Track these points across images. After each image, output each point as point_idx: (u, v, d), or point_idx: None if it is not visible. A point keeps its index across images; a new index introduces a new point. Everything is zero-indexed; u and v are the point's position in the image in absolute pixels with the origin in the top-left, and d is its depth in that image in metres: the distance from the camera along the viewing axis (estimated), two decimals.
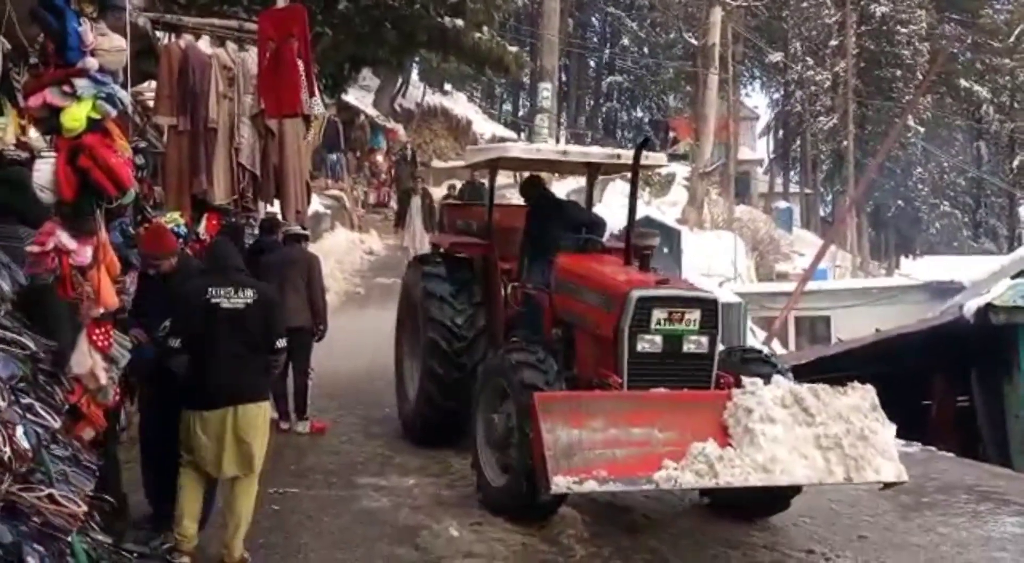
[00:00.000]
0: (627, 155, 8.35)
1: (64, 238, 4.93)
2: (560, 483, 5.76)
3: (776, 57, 49.54)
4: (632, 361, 6.80)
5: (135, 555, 5.38)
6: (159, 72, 8.33)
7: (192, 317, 5.79)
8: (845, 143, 43.52)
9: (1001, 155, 53.17)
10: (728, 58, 37.30)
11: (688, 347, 6.89)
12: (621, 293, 6.91)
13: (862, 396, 6.46)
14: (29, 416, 4.31)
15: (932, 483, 8.63)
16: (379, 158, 29.48)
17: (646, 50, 55.27)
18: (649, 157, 8.41)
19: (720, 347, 7.13)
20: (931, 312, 18.16)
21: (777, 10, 47.85)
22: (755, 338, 21.51)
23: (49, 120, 5.01)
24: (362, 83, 29.60)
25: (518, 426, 6.62)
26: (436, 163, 34.32)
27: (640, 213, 8.24)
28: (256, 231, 11.32)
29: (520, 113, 54.81)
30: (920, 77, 42.83)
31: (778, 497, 6.97)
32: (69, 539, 4.17)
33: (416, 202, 20.93)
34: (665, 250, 19.85)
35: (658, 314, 6.80)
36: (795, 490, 6.91)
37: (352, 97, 27.17)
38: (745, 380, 6.51)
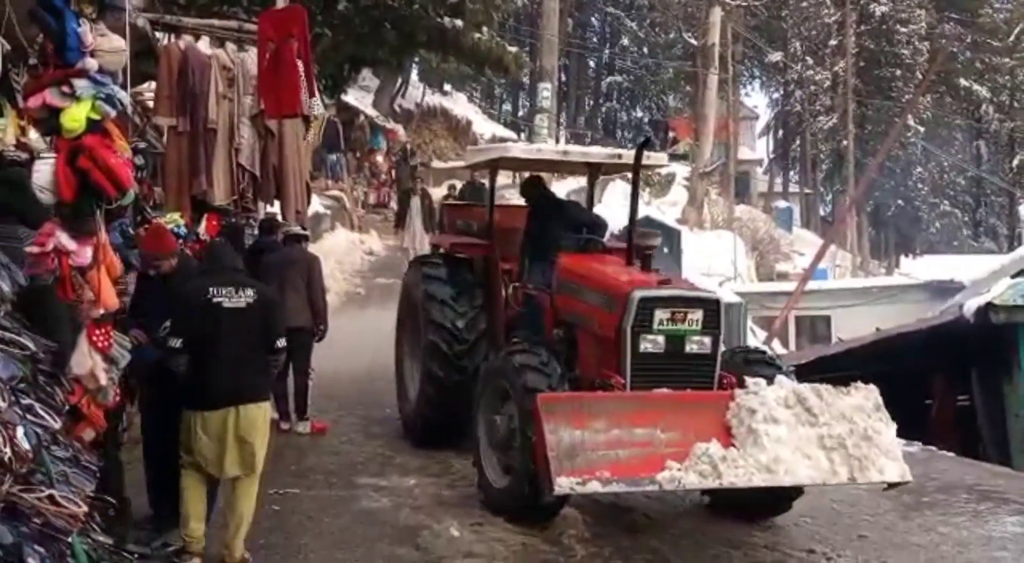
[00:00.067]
0: (628, 155, 8.34)
1: (64, 239, 4.93)
2: (563, 484, 5.74)
3: (776, 57, 49.54)
4: (635, 361, 6.79)
5: (136, 556, 5.38)
6: (159, 73, 8.33)
7: (193, 317, 5.79)
8: (845, 143, 43.53)
9: (1001, 154, 53.16)
10: (728, 58, 37.29)
11: (690, 347, 6.88)
12: (623, 293, 6.90)
13: (865, 396, 6.44)
14: (29, 417, 4.31)
15: (932, 482, 8.63)
16: (379, 158, 29.47)
17: (646, 50, 55.26)
18: (650, 157, 8.40)
19: (722, 347, 7.11)
20: (931, 311, 18.16)
21: (776, 10, 47.85)
22: (755, 338, 21.51)
23: (49, 121, 5.02)
24: (362, 83, 29.60)
25: (520, 429, 6.60)
26: (436, 163, 34.31)
27: (640, 213, 8.22)
28: (256, 232, 11.32)
29: (520, 113, 54.80)
30: (920, 76, 42.84)
31: (780, 499, 6.95)
32: (69, 540, 4.17)
33: (416, 203, 20.93)
34: (665, 250, 19.82)
35: (660, 314, 6.79)
36: (797, 492, 6.90)
37: (352, 97, 27.16)
38: (748, 380, 6.48)
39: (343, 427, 9.87)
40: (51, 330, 5.01)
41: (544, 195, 9.24)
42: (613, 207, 16.92)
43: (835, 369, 13.11)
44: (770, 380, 6.58)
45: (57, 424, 4.59)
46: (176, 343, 5.72)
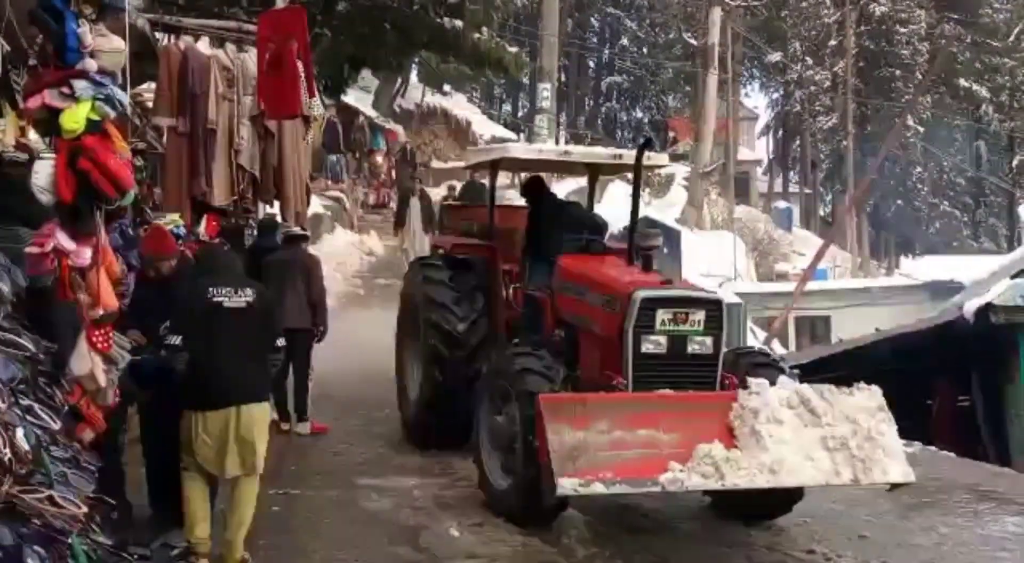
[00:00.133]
0: (629, 155, 8.33)
1: (63, 239, 4.93)
2: (566, 485, 5.71)
3: (775, 57, 49.51)
4: (636, 362, 6.76)
5: (136, 557, 5.37)
6: (158, 73, 8.34)
7: (194, 316, 5.78)
8: (845, 143, 43.53)
9: (1001, 154, 53.10)
10: (727, 58, 37.26)
11: (693, 348, 6.85)
12: (625, 294, 6.88)
13: (869, 397, 6.40)
14: (29, 418, 4.32)
15: (933, 483, 8.62)
16: (379, 159, 29.47)
17: (645, 50, 55.23)
18: (651, 157, 8.39)
19: (724, 348, 7.09)
20: (931, 312, 18.14)
21: (776, 10, 47.83)
22: (755, 338, 21.51)
23: (48, 121, 5.02)
24: (361, 84, 29.55)
25: (522, 433, 6.57)
26: (436, 164, 34.32)
27: (640, 213, 8.21)
28: (254, 232, 11.32)
29: (520, 114, 54.81)
30: (920, 77, 42.83)
31: (781, 500, 6.93)
32: (69, 541, 4.16)
33: (415, 203, 20.93)
34: (665, 251, 19.82)
35: (662, 315, 6.77)
36: (798, 495, 6.90)
37: (352, 98, 27.14)
38: (751, 381, 6.44)
39: (343, 428, 9.87)
40: (51, 331, 5.02)
41: (545, 196, 9.23)
42: (613, 207, 16.94)
43: (835, 369, 13.10)
44: (773, 381, 6.55)
45: (57, 425, 4.59)
46: (176, 340, 5.71)
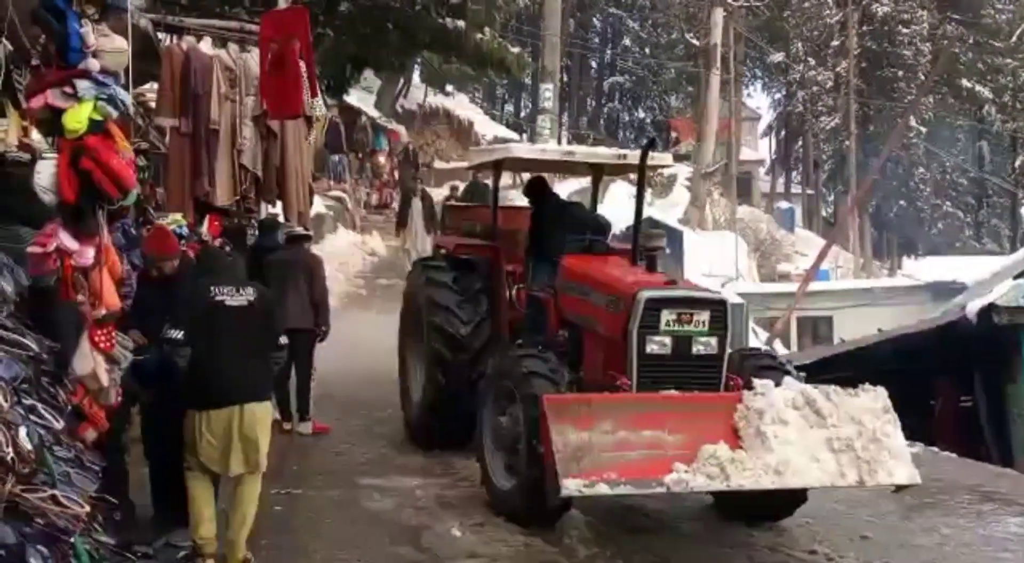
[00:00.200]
0: (633, 156, 8.32)
1: (66, 239, 4.94)
2: (570, 486, 5.69)
3: (778, 57, 49.52)
4: (641, 363, 6.75)
5: (139, 556, 5.38)
6: (161, 74, 8.35)
7: (197, 313, 5.78)
8: (847, 143, 43.48)
9: (1003, 155, 53.03)
10: (730, 58, 37.27)
11: (697, 349, 6.83)
12: (629, 294, 6.86)
13: (874, 398, 6.39)
14: (32, 417, 4.32)
15: (935, 484, 8.60)
16: (381, 159, 29.47)
17: (648, 50, 55.23)
18: (655, 158, 8.37)
19: (729, 349, 7.07)
20: (933, 312, 18.13)
21: (779, 10, 47.80)
22: (757, 339, 21.52)
23: (51, 121, 5.02)
24: (364, 84, 29.56)
25: (526, 436, 6.55)
26: (438, 164, 34.33)
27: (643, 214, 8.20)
28: (255, 232, 11.32)
29: (522, 114, 54.78)
30: (922, 77, 42.81)
31: (785, 503, 6.91)
32: (72, 540, 4.17)
33: (416, 204, 20.94)
34: (667, 251, 19.81)
35: (667, 315, 6.75)
36: (801, 499, 6.89)
37: (354, 98, 27.17)
38: (756, 382, 6.43)
39: (345, 428, 9.87)
40: (53, 331, 5.02)
41: (547, 196, 9.23)
42: (615, 208, 16.93)
43: (837, 370, 13.10)
44: (778, 382, 6.53)
45: (60, 424, 4.60)
46: (177, 334, 5.70)
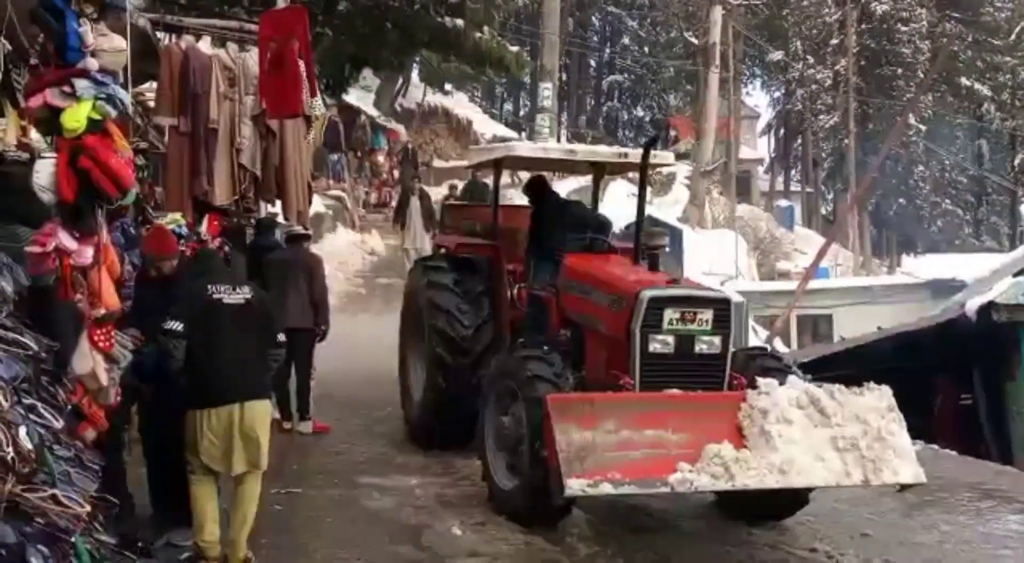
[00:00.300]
0: (635, 154, 8.31)
1: (65, 239, 4.93)
2: (574, 486, 5.68)
3: (777, 56, 49.44)
4: (644, 362, 6.74)
5: (139, 554, 5.38)
6: (160, 73, 8.34)
7: (195, 313, 5.77)
8: (846, 141, 43.46)
9: (1002, 153, 53.04)
10: (729, 57, 37.27)
11: (700, 348, 6.82)
12: (632, 293, 6.84)
13: (879, 397, 6.37)
14: (32, 417, 4.32)
15: (935, 481, 8.57)
16: (380, 158, 29.47)
17: (647, 49, 55.17)
18: (657, 156, 8.36)
19: (732, 348, 7.04)
20: (933, 310, 18.14)
21: (777, 8, 47.78)
22: (757, 337, 21.50)
23: (49, 121, 5.02)
24: (363, 83, 29.54)
25: (529, 439, 6.53)
26: (437, 163, 34.32)
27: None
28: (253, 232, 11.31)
29: (521, 113, 54.78)
30: (921, 75, 42.76)
31: (789, 502, 6.90)
32: (72, 540, 4.16)
33: (415, 203, 20.94)
34: (667, 249, 19.81)
35: (670, 314, 6.73)
36: (804, 501, 6.89)
37: (353, 97, 27.13)
38: (760, 381, 6.40)
39: (345, 427, 9.87)
40: (52, 330, 5.02)
41: (548, 195, 9.22)
42: (614, 206, 16.92)
43: (837, 368, 13.09)
44: (781, 380, 6.51)
45: (59, 424, 4.59)
46: (176, 326, 5.67)
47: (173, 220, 8.58)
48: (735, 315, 7.13)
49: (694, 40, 40.45)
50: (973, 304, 12.77)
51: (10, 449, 3.86)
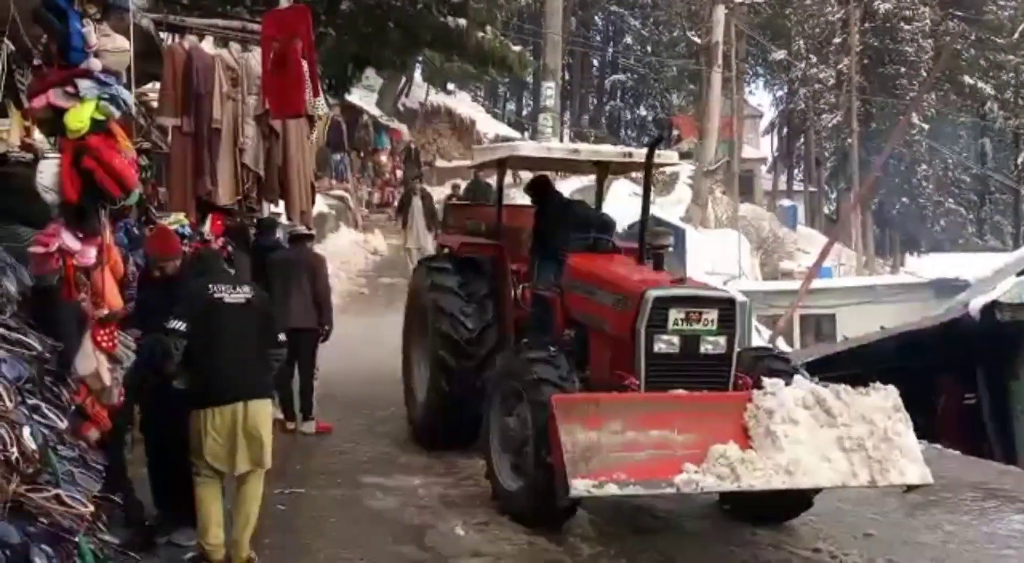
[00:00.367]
0: (639, 154, 8.28)
1: (68, 239, 4.95)
2: (579, 487, 5.65)
3: (779, 55, 49.40)
4: (649, 362, 6.70)
5: (142, 552, 5.38)
6: (163, 73, 8.35)
7: (196, 313, 5.77)
8: (849, 140, 43.41)
9: (1006, 151, 52.97)
10: (731, 56, 37.26)
11: (705, 348, 6.79)
12: (637, 293, 6.82)
13: (885, 397, 6.34)
14: (36, 417, 4.33)
15: (938, 481, 8.51)
16: (383, 158, 29.47)
17: (649, 48, 55.19)
18: (661, 156, 8.34)
19: (737, 348, 7.01)
20: (936, 309, 18.12)
21: (780, 7, 47.75)
22: (760, 336, 21.51)
23: (53, 121, 5.03)
24: (366, 83, 29.56)
25: (534, 441, 6.51)
26: (440, 162, 34.33)
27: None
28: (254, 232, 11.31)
29: (524, 112, 54.75)
30: (924, 74, 42.71)
31: (795, 503, 6.88)
32: (76, 540, 4.17)
33: (417, 203, 20.94)
34: (671, 249, 19.81)
35: (675, 314, 6.70)
36: (807, 503, 6.88)
37: (356, 97, 27.16)
38: (765, 381, 6.37)
39: (348, 427, 9.87)
40: (55, 330, 5.03)
41: (551, 195, 9.20)
42: (616, 206, 16.92)
43: (840, 367, 13.08)
44: (787, 381, 6.47)
45: (63, 424, 4.61)
46: (179, 325, 5.66)
47: (176, 220, 8.59)
48: (739, 315, 7.10)
49: (697, 39, 40.45)
50: (977, 303, 12.76)
51: (14, 449, 3.87)
